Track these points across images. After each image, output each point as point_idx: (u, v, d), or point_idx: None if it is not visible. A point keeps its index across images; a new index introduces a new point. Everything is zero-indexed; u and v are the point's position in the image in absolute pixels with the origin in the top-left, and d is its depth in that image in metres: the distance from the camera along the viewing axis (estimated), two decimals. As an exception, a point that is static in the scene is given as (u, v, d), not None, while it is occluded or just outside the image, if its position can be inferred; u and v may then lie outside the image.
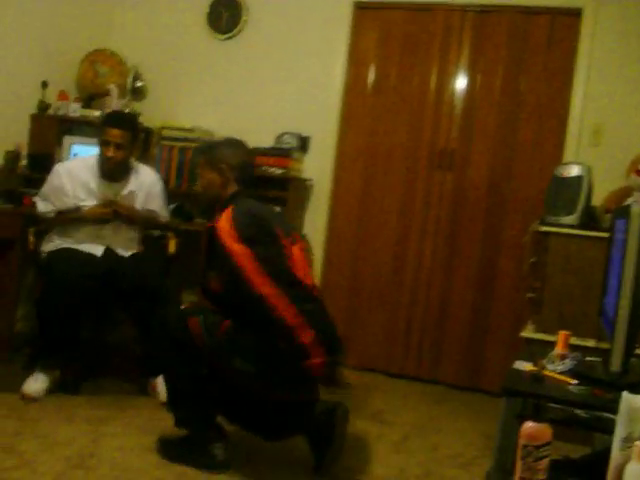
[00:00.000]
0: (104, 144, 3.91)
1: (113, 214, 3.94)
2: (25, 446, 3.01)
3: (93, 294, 3.73)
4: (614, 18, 4.38)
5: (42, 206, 3.98)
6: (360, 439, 3.58)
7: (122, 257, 4.00)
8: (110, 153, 3.88)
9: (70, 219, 3.98)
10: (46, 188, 3.99)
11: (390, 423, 3.85)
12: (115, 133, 3.87)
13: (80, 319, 3.78)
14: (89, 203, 3.95)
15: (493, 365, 4.55)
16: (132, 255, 4.05)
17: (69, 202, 3.96)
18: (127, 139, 3.93)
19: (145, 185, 4.12)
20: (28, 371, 3.74)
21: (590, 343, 3.47)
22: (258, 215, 3.07)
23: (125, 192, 4.00)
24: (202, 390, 3.00)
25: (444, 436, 3.75)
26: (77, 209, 3.96)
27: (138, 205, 4.07)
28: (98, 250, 3.93)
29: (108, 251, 3.96)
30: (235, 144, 3.28)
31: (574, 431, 3.44)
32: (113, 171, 3.99)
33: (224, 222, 2.93)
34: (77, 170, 4.01)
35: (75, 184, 3.97)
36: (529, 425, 1.69)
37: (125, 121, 4.08)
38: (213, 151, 3.24)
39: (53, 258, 3.83)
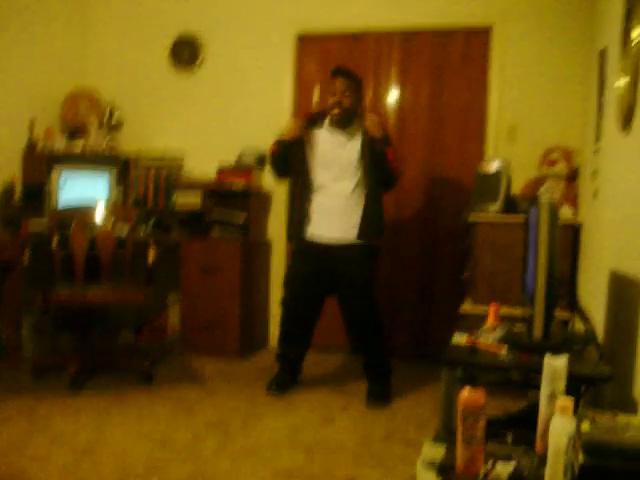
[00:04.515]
0: None
1: None
2: (36, 442, 2.97)
3: None
4: (520, 33, 4.41)
5: None
6: (329, 410, 3.57)
7: None
8: None
9: None
10: None
11: (353, 394, 3.84)
12: None
13: None
14: None
15: (438, 336, 4.55)
16: None
17: None
18: None
19: None
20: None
21: (518, 312, 3.50)
22: None
23: None
24: None
25: (400, 402, 3.76)
26: None
27: None
28: None
29: None
30: None
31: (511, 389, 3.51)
32: None
33: None
34: None
35: None
36: (466, 391, 1.69)
37: None
38: (361, 84, 3.84)
39: None
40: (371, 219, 3.74)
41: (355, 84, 3.74)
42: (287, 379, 3.90)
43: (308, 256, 3.82)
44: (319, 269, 3.78)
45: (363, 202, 3.72)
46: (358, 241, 3.72)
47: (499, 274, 3.75)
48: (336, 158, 3.74)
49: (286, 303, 3.90)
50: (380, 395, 3.73)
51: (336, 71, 3.77)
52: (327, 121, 3.80)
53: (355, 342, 3.92)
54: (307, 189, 3.78)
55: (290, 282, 3.91)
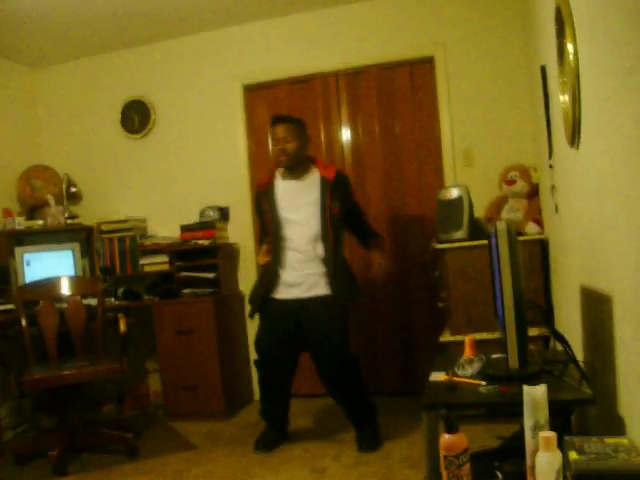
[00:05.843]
0: None
1: None
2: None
3: None
4: (462, 59, 4.42)
5: None
6: (321, 460, 3.46)
7: None
8: None
9: None
10: None
11: (344, 440, 3.74)
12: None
13: None
14: None
15: (422, 369, 4.47)
16: None
17: None
18: None
19: None
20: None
21: (497, 335, 3.43)
22: None
23: None
24: None
25: (392, 443, 3.65)
26: None
27: None
28: None
29: None
30: None
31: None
32: None
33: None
34: None
35: None
36: (445, 438, 1.61)
37: None
38: (303, 126, 3.67)
39: None
40: (343, 279, 3.60)
41: (296, 127, 3.60)
42: (274, 435, 3.76)
43: (276, 315, 3.66)
44: (288, 327, 3.62)
45: (328, 256, 3.56)
46: (325, 295, 3.58)
47: (473, 300, 3.69)
48: (295, 208, 3.60)
49: (259, 364, 3.74)
50: (370, 439, 3.61)
51: (274, 119, 3.65)
52: (279, 172, 3.72)
53: (332, 394, 3.72)
54: (276, 244, 3.64)
55: (260, 343, 3.72)
